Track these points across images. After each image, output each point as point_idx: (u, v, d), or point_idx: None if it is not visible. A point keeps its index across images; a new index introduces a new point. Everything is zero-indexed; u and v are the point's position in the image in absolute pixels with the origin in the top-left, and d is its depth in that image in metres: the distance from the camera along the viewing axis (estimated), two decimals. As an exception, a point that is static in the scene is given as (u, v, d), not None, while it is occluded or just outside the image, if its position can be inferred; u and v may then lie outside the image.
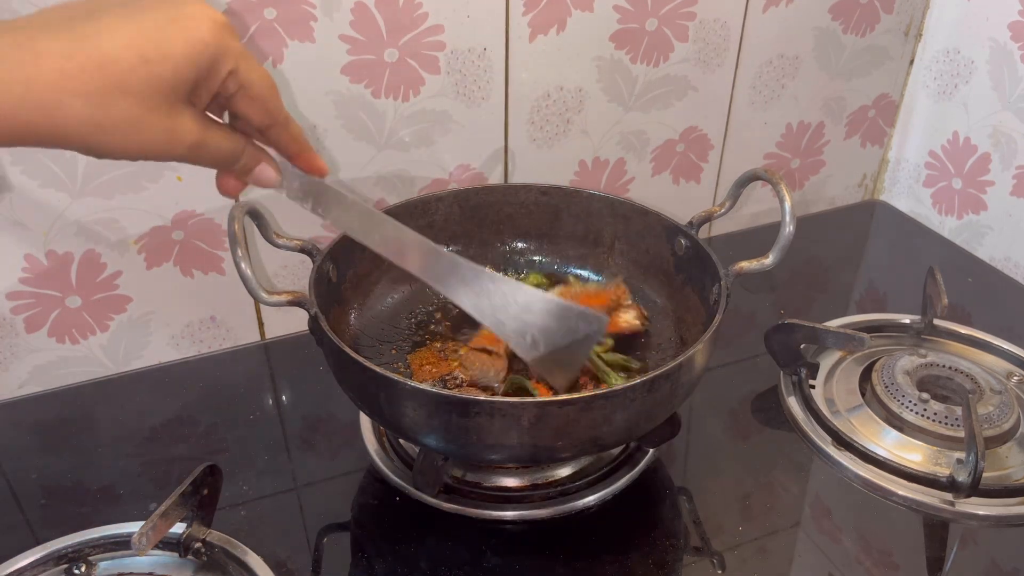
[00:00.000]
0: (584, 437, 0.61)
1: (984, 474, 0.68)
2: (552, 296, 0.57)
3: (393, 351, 0.78)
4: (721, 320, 0.66)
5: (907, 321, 0.90)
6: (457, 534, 0.68)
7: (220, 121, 0.47)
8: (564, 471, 0.72)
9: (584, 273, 0.86)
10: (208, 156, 0.46)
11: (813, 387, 0.82)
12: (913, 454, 0.74)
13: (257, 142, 0.50)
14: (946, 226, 1.10)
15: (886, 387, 0.79)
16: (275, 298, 0.63)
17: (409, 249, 0.54)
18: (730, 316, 0.69)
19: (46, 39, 0.38)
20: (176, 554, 0.63)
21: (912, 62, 1.08)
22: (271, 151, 0.51)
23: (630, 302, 0.81)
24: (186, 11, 0.41)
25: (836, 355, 0.86)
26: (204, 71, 0.42)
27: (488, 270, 0.55)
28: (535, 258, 0.87)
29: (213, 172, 0.79)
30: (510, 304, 0.55)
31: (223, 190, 0.50)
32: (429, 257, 0.54)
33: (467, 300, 0.55)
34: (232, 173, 0.49)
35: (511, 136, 0.90)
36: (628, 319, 0.79)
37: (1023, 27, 0.96)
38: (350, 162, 0.84)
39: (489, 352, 0.73)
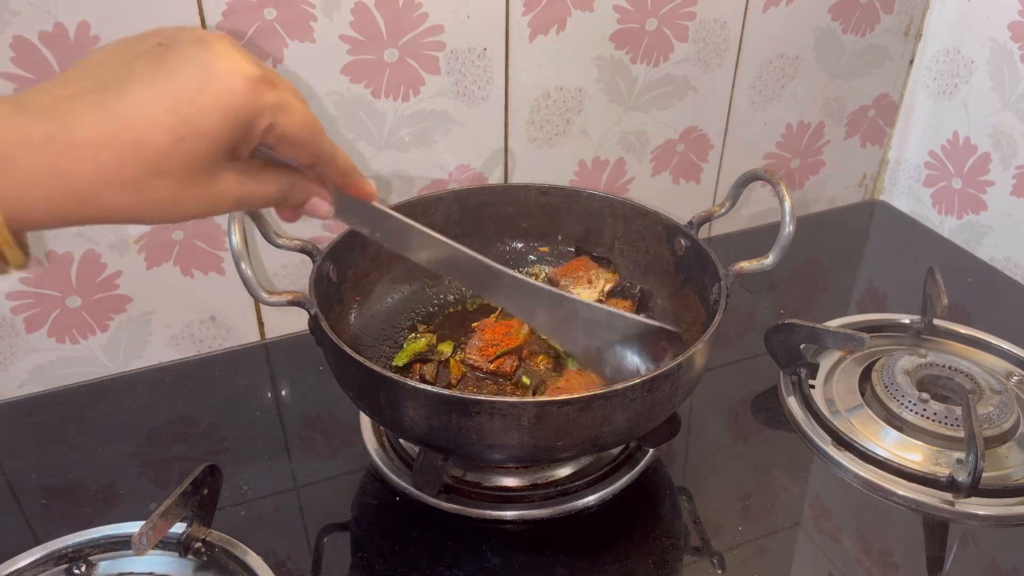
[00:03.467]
0: (584, 437, 0.61)
1: (984, 474, 0.68)
2: (607, 308, 0.63)
3: (393, 351, 0.78)
4: (721, 320, 0.66)
5: (907, 321, 0.90)
6: (457, 534, 0.68)
7: (268, 160, 0.45)
8: (564, 471, 0.72)
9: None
10: (255, 204, 0.45)
11: (813, 387, 0.82)
12: (913, 454, 0.75)
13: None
14: (946, 226, 1.10)
15: (886, 387, 0.79)
16: (275, 298, 0.63)
17: (460, 266, 0.56)
18: (730, 316, 0.69)
19: (79, 119, 0.37)
20: (176, 554, 0.63)
21: (912, 62, 1.08)
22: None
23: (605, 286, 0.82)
24: (216, 71, 0.39)
25: (836, 355, 0.86)
26: (240, 135, 0.41)
27: (559, 291, 0.60)
28: (535, 258, 0.87)
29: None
30: (584, 322, 0.61)
31: (282, 218, 0.50)
32: (498, 280, 0.57)
33: (539, 321, 0.61)
34: (286, 207, 0.48)
35: (511, 136, 0.90)
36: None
37: (1023, 27, 0.96)
38: (350, 162, 0.84)
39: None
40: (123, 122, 0.38)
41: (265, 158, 0.45)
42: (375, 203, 0.51)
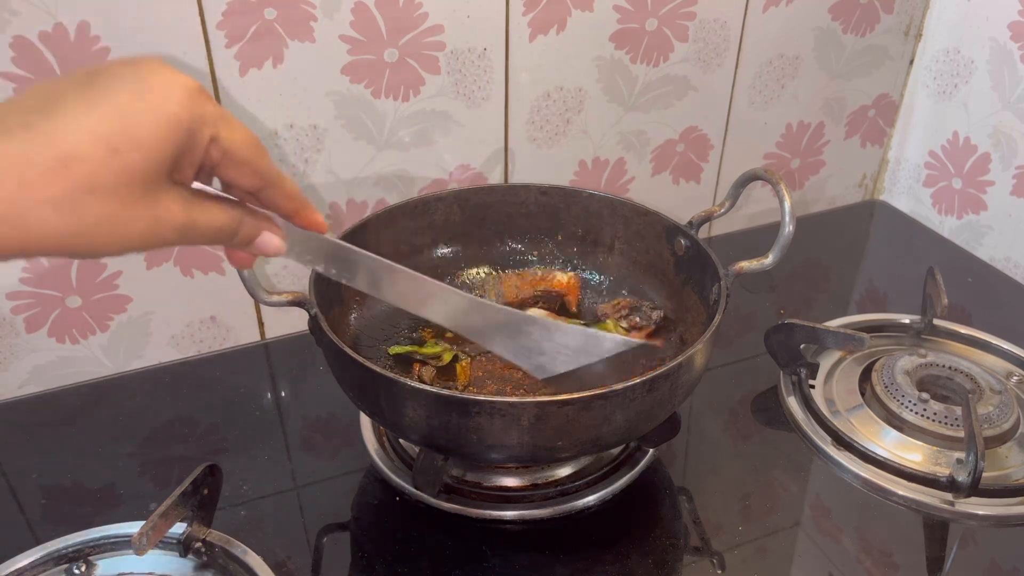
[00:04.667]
0: (584, 437, 0.61)
1: (984, 474, 0.68)
2: (586, 330, 0.60)
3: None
4: (721, 320, 0.66)
5: (907, 321, 0.90)
6: (457, 534, 0.68)
7: (211, 192, 0.43)
8: (564, 471, 0.72)
9: (584, 274, 0.86)
10: (201, 234, 0.42)
11: (813, 387, 0.82)
12: (913, 454, 0.75)
13: (255, 206, 0.45)
14: (946, 226, 1.10)
15: (886, 387, 0.79)
16: (275, 298, 0.63)
17: (431, 299, 0.52)
18: (730, 316, 0.69)
19: (2, 143, 0.34)
20: (176, 554, 0.63)
21: (912, 62, 1.08)
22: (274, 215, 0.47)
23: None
24: (152, 84, 0.37)
25: (836, 355, 0.86)
26: (181, 147, 0.38)
27: (518, 311, 0.57)
28: (534, 258, 0.87)
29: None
30: (545, 344, 0.58)
31: (234, 263, 0.47)
32: (455, 306, 0.53)
33: (500, 346, 0.56)
34: (235, 246, 0.45)
35: (511, 136, 0.90)
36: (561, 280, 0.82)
37: (1023, 27, 0.96)
38: (350, 162, 0.84)
39: None
40: (50, 137, 0.35)
41: (212, 192, 0.43)
42: (328, 235, 0.47)
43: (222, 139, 0.40)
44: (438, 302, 0.53)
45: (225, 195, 0.43)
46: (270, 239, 0.45)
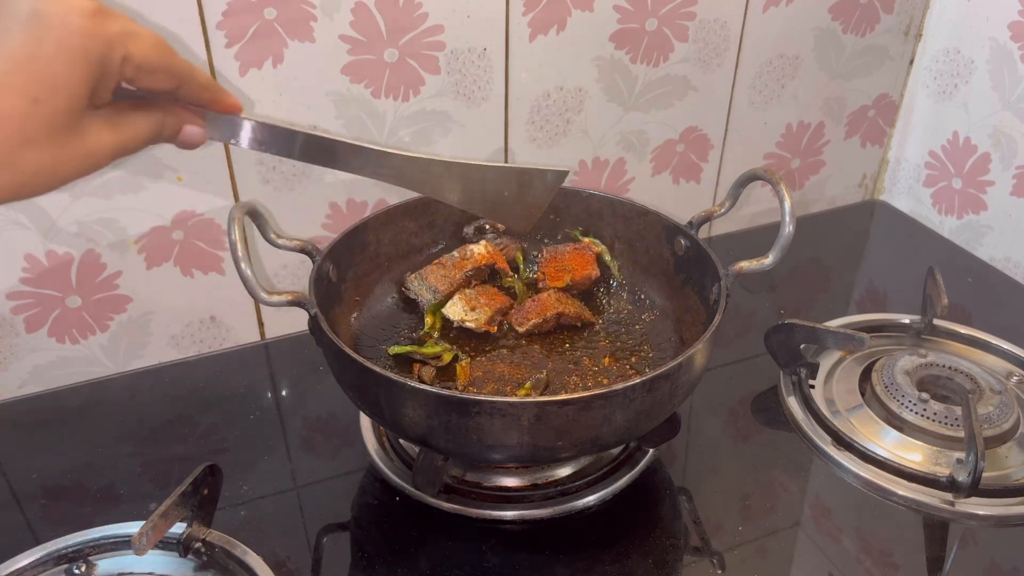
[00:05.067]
0: (584, 437, 0.61)
1: (984, 474, 0.68)
2: (506, 166, 0.65)
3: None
4: (721, 320, 0.66)
5: (907, 321, 0.90)
6: (457, 534, 0.68)
7: (130, 101, 0.44)
8: (564, 471, 0.72)
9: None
10: (132, 149, 0.44)
11: (813, 387, 0.82)
12: (913, 454, 0.74)
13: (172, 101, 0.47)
14: (946, 226, 1.10)
15: (886, 387, 0.79)
16: (275, 298, 0.63)
17: (345, 155, 0.56)
18: (730, 316, 0.69)
19: None
20: (176, 554, 0.63)
21: (912, 62, 1.08)
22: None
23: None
24: (48, 15, 0.36)
25: (836, 355, 0.86)
26: (96, 77, 0.39)
27: (428, 157, 0.60)
28: (533, 258, 0.87)
29: (214, 174, 0.79)
30: (468, 183, 0.62)
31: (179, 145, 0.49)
32: (363, 157, 0.57)
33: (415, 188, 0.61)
34: (161, 142, 0.47)
35: (511, 136, 0.90)
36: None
37: (1023, 27, 0.96)
38: (350, 162, 0.84)
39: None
40: None
41: (128, 99, 0.43)
42: (242, 116, 0.50)
43: (133, 56, 0.40)
44: (348, 157, 0.56)
45: (142, 99, 0.44)
46: (191, 131, 0.47)
